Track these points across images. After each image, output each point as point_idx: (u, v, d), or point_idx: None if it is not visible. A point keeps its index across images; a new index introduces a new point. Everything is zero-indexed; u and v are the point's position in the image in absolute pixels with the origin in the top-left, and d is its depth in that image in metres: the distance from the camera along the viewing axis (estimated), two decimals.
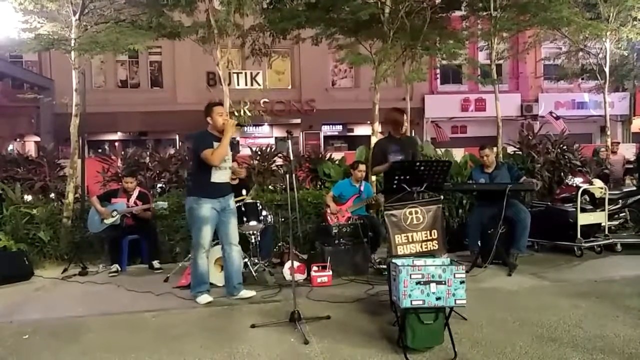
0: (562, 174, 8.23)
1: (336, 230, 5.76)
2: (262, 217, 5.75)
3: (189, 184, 4.84)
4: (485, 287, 5.00)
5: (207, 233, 4.62)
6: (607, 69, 11.30)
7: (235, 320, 4.18)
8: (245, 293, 4.76)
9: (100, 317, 4.38)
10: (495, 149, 6.81)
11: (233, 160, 4.92)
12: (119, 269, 6.10)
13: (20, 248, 6.20)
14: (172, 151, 9.35)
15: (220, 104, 4.80)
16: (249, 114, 8.42)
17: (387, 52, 7.72)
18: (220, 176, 4.66)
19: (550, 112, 18.60)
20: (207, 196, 4.59)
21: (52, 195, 7.71)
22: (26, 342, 3.80)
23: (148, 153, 8.72)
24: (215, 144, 4.57)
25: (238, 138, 4.77)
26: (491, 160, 6.14)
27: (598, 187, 6.72)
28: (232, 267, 4.77)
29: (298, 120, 20.06)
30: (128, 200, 6.38)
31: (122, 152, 9.45)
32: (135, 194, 6.45)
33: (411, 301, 3.21)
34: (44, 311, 4.63)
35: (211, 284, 5.21)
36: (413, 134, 10.90)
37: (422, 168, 4.53)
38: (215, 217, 4.65)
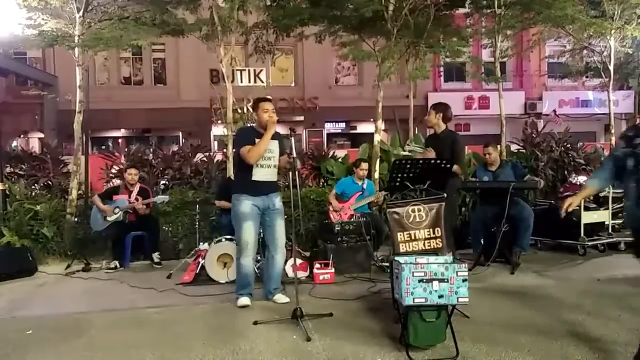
0: (565, 172, 8.21)
1: (339, 228, 5.76)
2: None
3: (234, 182, 4.73)
4: (488, 285, 4.99)
5: (248, 230, 4.38)
6: (611, 67, 11.23)
7: (237, 317, 4.18)
8: (280, 298, 4.52)
9: (103, 313, 4.39)
10: (498, 147, 6.80)
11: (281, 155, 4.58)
12: (118, 265, 6.12)
13: (24, 244, 6.23)
14: (175, 148, 9.39)
15: (268, 99, 4.53)
16: (252, 111, 8.42)
17: (391, 49, 7.71)
18: (262, 174, 4.43)
19: (554, 111, 18.55)
20: (248, 193, 4.43)
21: (56, 191, 7.74)
22: (29, 338, 3.82)
23: (151, 150, 8.76)
24: (258, 140, 4.37)
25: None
26: (494, 158, 6.12)
27: None
28: (273, 270, 4.55)
29: (301, 118, 20.04)
30: (129, 197, 6.39)
31: (126, 149, 9.49)
32: (136, 190, 6.46)
33: (414, 299, 3.21)
34: (47, 307, 4.65)
35: (212, 280, 5.25)
36: (416, 132, 10.87)
37: (425, 166, 4.53)
38: (257, 215, 4.43)
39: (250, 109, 4.55)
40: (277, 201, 4.56)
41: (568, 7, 8.04)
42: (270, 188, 4.54)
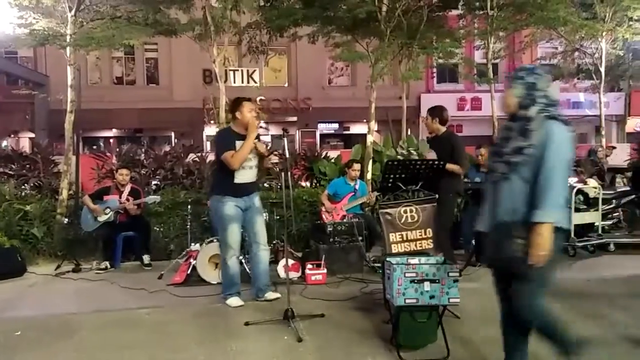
0: None
1: (331, 229, 5.75)
2: None
3: (212, 182, 4.70)
4: (478, 285, 4.99)
5: (233, 232, 4.43)
6: (602, 69, 11.35)
7: (229, 317, 4.17)
8: (271, 295, 4.53)
9: (94, 314, 4.36)
10: None
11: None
12: (108, 266, 6.07)
13: (14, 244, 6.16)
14: (167, 148, 9.34)
15: (250, 99, 4.53)
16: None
17: (384, 50, 7.72)
18: (244, 176, 4.44)
19: None
20: (231, 195, 4.41)
21: (46, 191, 7.67)
22: (19, 339, 3.78)
23: (143, 150, 8.71)
24: (238, 143, 4.34)
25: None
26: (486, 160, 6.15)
27: (592, 186, 6.75)
28: (259, 268, 4.57)
29: (294, 118, 20.04)
30: (120, 197, 6.34)
31: (117, 149, 9.44)
32: (127, 190, 6.40)
33: (405, 299, 3.22)
34: (37, 308, 4.62)
35: (204, 281, 5.23)
36: (409, 133, 10.90)
37: (418, 167, 4.54)
38: (240, 216, 4.46)
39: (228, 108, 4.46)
40: (256, 200, 4.61)
41: (560, 9, 8.11)
42: (251, 189, 4.58)
